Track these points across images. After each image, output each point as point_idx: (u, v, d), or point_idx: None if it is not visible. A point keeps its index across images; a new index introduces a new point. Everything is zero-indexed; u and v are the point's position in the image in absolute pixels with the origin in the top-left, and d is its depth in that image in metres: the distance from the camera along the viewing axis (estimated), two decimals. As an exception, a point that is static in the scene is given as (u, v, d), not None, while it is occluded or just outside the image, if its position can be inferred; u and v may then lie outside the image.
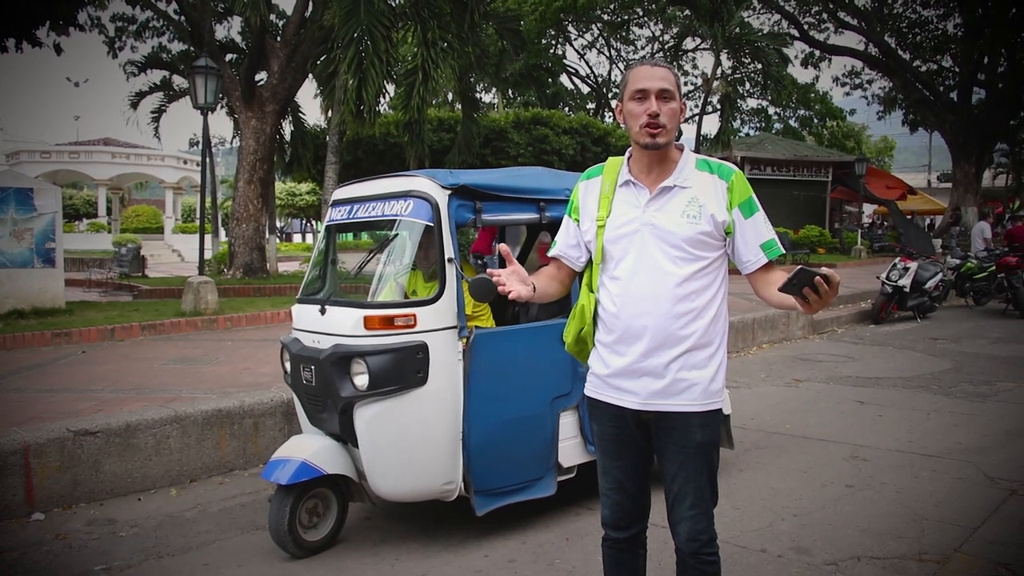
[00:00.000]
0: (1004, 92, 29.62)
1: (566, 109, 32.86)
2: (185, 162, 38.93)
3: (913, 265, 12.92)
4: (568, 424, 4.39)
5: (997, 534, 4.24)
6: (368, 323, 3.83)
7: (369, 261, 4.39)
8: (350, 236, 22.36)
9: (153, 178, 40.15)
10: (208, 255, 22.13)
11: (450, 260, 3.91)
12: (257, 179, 16.76)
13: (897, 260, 13.21)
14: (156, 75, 21.08)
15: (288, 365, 4.35)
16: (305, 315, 4.28)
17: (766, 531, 4.35)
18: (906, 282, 12.76)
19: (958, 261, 14.98)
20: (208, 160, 27.60)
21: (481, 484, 4.07)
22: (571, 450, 4.43)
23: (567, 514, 4.64)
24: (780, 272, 2.50)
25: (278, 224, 38.50)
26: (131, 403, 5.96)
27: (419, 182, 4.02)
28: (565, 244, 2.82)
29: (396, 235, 4.11)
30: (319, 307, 4.14)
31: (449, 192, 3.98)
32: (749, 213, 2.57)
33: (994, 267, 14.04)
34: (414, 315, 3.84)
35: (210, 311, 10.70)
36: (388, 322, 3.82)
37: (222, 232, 24.07)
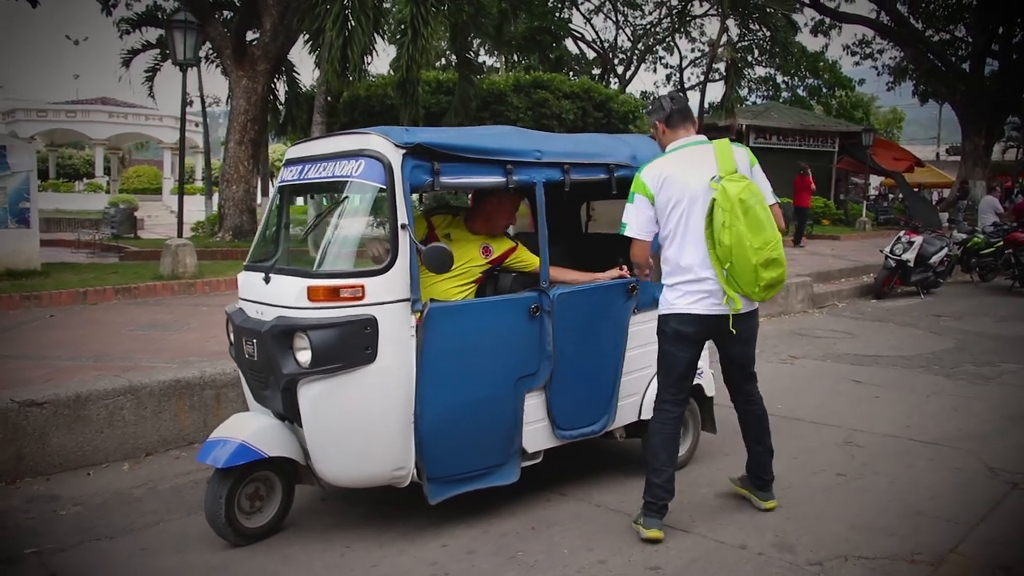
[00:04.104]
0: (1018, 63, 28.95)
1: (570, 74, 32.21)
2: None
3: (918, 239, 12.52)
4: (534, 406, 4.05)
5: (996, 533, 3.92)
6: (312, 294, 3.48)
7: (317, 226, 4.03)
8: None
9: (151, 138, 39.67)
10: (202, 216, 21.94)
11: (403, 226, 3.55)
12: (248, 140, 16.35)
13: (902, 233, 12.81)
14: (152, 34, 20.64)
15: (232, 337, 4.02)
16: (250, 284, 3.93)
17: (748, 524, 4.04)
18: (910, 256, 12.37)
19: (965, 236, 14.55)
20: (204, 120, 27.23)
21: (435, 470, 3.74)
22: (537, 434, 4.09)
23: (536, 500, 4.34)
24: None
25: (271, 186, 38.05)
26: (86, 372, 5.67)
27: (371, 140, 3.65)
28: None
29: (346, 198, 3.75)
30: (264, 275, 3.80)
31: (404, 152, 3.60)
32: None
33: (1001, 243, 13.64)
34: (362, 286, 3.49)
35: (188, 275, 10.38)
36: (334, 293, 3.47)
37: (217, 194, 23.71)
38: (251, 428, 3.76)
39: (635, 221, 3.86)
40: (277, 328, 3.56)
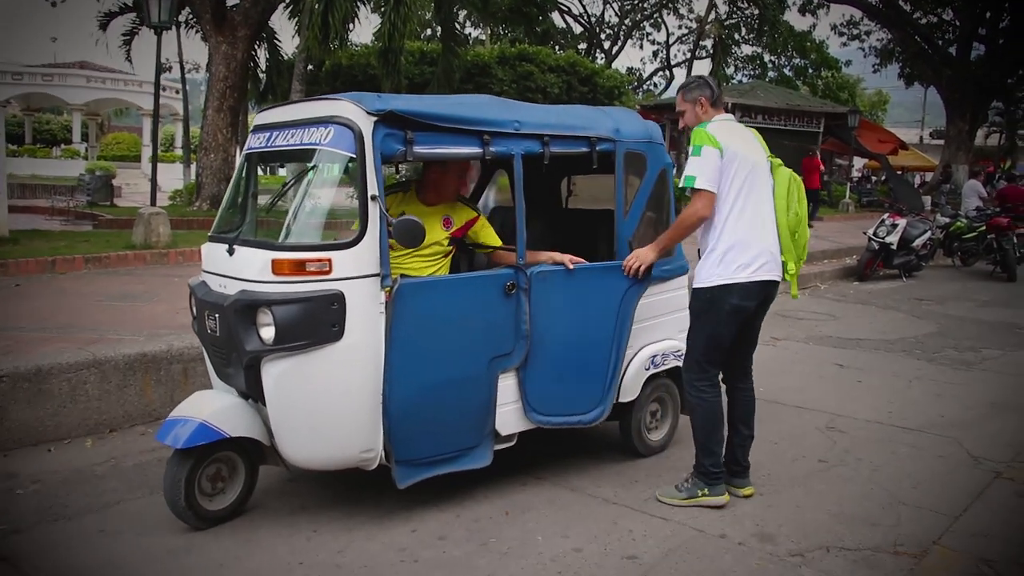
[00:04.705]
0: (1004, 48, 28.88)
1: (556, 48, 31.88)
2: (164, 88, 37.70)
3: (902, 222, 12.46)
4: (508, 387, 3.90)
5: (980, 524, 3.82)
6: (276, 267, 3.31)
7: (283, 195, 3.84)
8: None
9: (131, 104, 38.97)
10: (181, 185, 21.58)
11: (373, 198, 3.37)
12: (227, 107, 16.00)
13: (886, 216, 12.74)
14: (128, -6, 20.12)
15: (195, 311, 3.85)
16: (213, 255, 3.76)
17: (728, 512, 3.92)
18: (894, 239, 12.31)
19: (948, 220, 14.50)
20: (183, 86, 26.73)
21: (404, 453, 3.59)
22: (511, 416, 3.94)
23: (511, 484, 4.20)
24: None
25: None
26: (51, 343, 5.46)
27: (341, 107, 3.46)
28: None
29: (314, 167, 3.57)
30: (227, 247, 3.62)
31: (375, 119, 3.41)
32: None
33: (984, 227, 13.58)
34: (329, 260, 3.32)
35: (161, 244, 10.14)
36: (299, 267, 3.30)
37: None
38: (213, 407, 3.59)
39: (705, 172, 3.68)
40: (240, 303, 3.38)
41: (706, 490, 3.92)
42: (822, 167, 20.18)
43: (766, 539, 3.64)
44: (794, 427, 5.27)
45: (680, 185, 3.73)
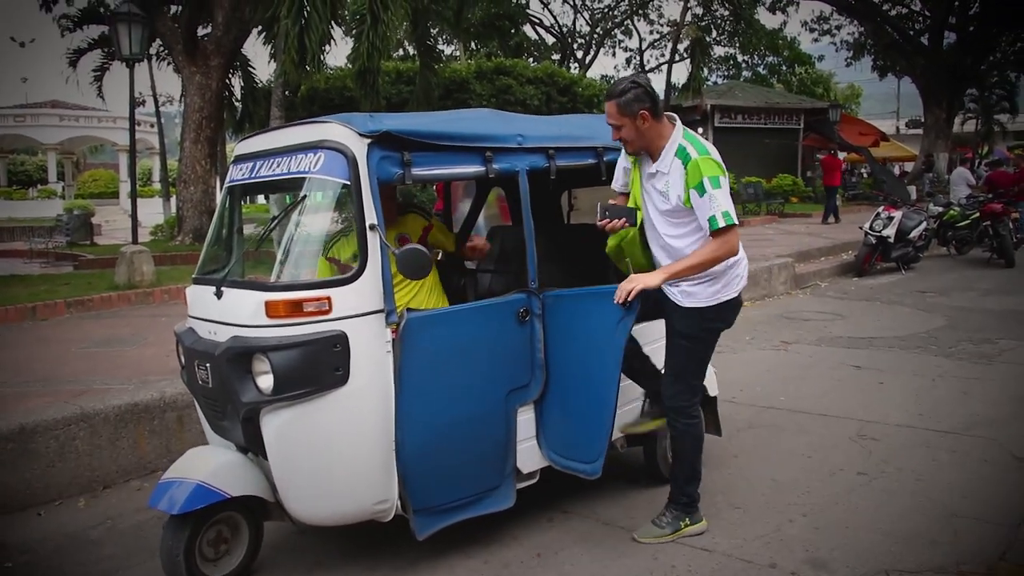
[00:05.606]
0: (975, 35, 28.96)
1: (530, 60, 31.76)
2: (139, 123, 37.33)
3: (897, 214, 12.29)
4: (527, 421, 3.63)
5: (1043, 535, 3.57)
6: (271, 310, 3.02)
7: (273, 229, 3.55)
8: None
9: (106, 141, 38.68)
10: (160, 219, 21.25)
11: (372, 227, 3.10)
12: (204, 138, 15.77)
13: (880, 209, 12.57)
14: (97, 31, 19.82)
15: (183, 360, 3.55)
16: (200, 299, 3.46)
17: (773, 538, 3.65)
18: (890, 232, 12.13)
19: (941, 208, 14.35)
20: (158, 119, 26.41)
21: (421, 501, 3.30)
22: (532, 452, 3.66)
23: (538, 521, 3.91)
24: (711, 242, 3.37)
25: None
26: (35, 398, 5.18)
27: (331, 130, 3.18)
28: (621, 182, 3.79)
29: (305, 197, 3.29)
30: (215, 289, 3.33)
31: (369, 141, 3.14)
32: (701, 193, 3.30)
33: (977, 215, 13.42)
34: (328, 298, 3.04)
35: (145, 283, 9.82)
36: (296, 308, 3.01)
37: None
38: (209, 466, 3.28)
39: (731, 205, 3.34)
40: (232, 350, 3.09)
41: (687, 520, 3.71)
42: (844, 165, 20.51)
43: (820, 566, 3.36)
44: (824, 438, 5.01)
45: (720, 225, 3.27)
